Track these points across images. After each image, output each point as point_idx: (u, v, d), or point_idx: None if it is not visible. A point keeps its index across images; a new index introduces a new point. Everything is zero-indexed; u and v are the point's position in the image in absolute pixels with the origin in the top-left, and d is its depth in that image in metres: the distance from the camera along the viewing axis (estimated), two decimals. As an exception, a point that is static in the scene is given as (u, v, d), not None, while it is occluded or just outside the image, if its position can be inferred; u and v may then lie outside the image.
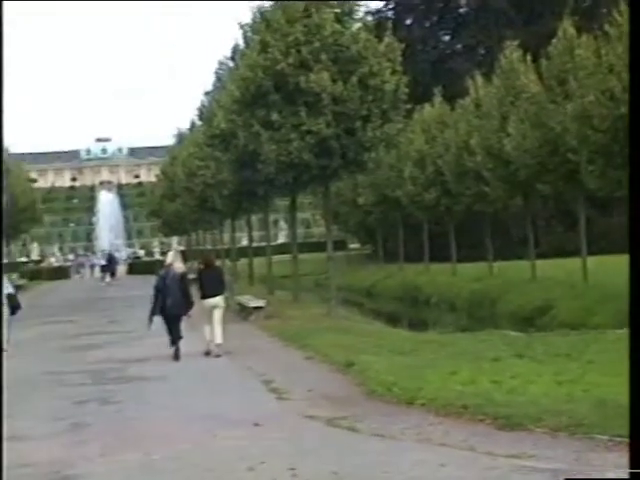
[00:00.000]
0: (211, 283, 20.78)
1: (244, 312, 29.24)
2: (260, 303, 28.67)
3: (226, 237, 58.57)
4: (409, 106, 27.56)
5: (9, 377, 18.48)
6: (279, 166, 26.52)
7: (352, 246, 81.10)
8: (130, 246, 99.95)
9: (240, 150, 28.19)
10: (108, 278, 62.44)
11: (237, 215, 49.62)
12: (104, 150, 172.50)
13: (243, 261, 52.63)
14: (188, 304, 20.33)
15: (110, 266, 65.19)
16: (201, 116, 47.05)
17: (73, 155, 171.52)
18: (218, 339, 20.28)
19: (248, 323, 27.35)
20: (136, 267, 68.87)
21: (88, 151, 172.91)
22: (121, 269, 72.91)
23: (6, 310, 24.04)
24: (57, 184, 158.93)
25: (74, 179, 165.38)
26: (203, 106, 46.10)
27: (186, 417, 12.89)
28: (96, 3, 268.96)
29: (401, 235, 53.84)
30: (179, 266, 20.92)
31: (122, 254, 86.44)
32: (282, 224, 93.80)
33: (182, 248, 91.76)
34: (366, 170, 30.40)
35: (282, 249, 61.47)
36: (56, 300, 46.43)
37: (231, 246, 54.42)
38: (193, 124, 53.51)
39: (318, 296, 38.21)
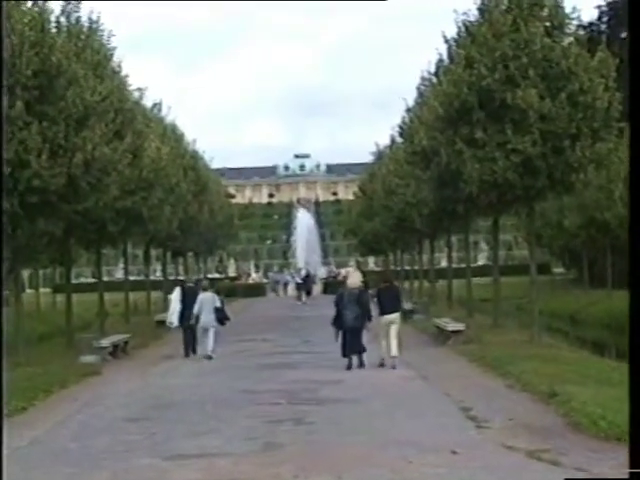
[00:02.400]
0: (389, 300, 22.52)
1: (442, 336, 28.58)
2: (459, 327, 27.98)
3: (424, 258, 57.94)
4: (622, 124, 26.26)
5: (205, 393, 18.53)
6: (482, 185, 25.82)
7: (556, 270, 78.94)
8: (325, 264, 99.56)
9: (442, 168, 27.63)
10: (304, 297, 62.20)
11: (436, 235, 49.08)
12: (302, 166, 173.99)
13: (441, 282, 51.96)
14: (367, 318, 22.26)
15: (306, 284, 65.23)
16: (402, 133, 46.50)
17: (271, 171, 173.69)
18: (393, 352, 21.86)
19: (446, 347, 26.81)
20: (331, 286, 68.63)
21: (286, 167, 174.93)
22: (316, 288, 72.90)
23: (209, 318, 25.44)
24: (254, 200, 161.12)
25: (271, 195, 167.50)
26: (404, 123, 45.49)
27: (380, 441, 12.68)
28: (295, 21, 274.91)
29: (609, 260, 51.90)
30: (355, 282, 22.77)
31: (321, 272, 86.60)
32: (483, 245, 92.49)
33: (375, 266, 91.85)
34: (573, 191, 29.23)
35: (482, 271, 60.59)
36: (251, 318, 46.69)
37: (429, 267, 53.83)
38: (393, 141, 52.96)
39: (519, 321, 37.19)
